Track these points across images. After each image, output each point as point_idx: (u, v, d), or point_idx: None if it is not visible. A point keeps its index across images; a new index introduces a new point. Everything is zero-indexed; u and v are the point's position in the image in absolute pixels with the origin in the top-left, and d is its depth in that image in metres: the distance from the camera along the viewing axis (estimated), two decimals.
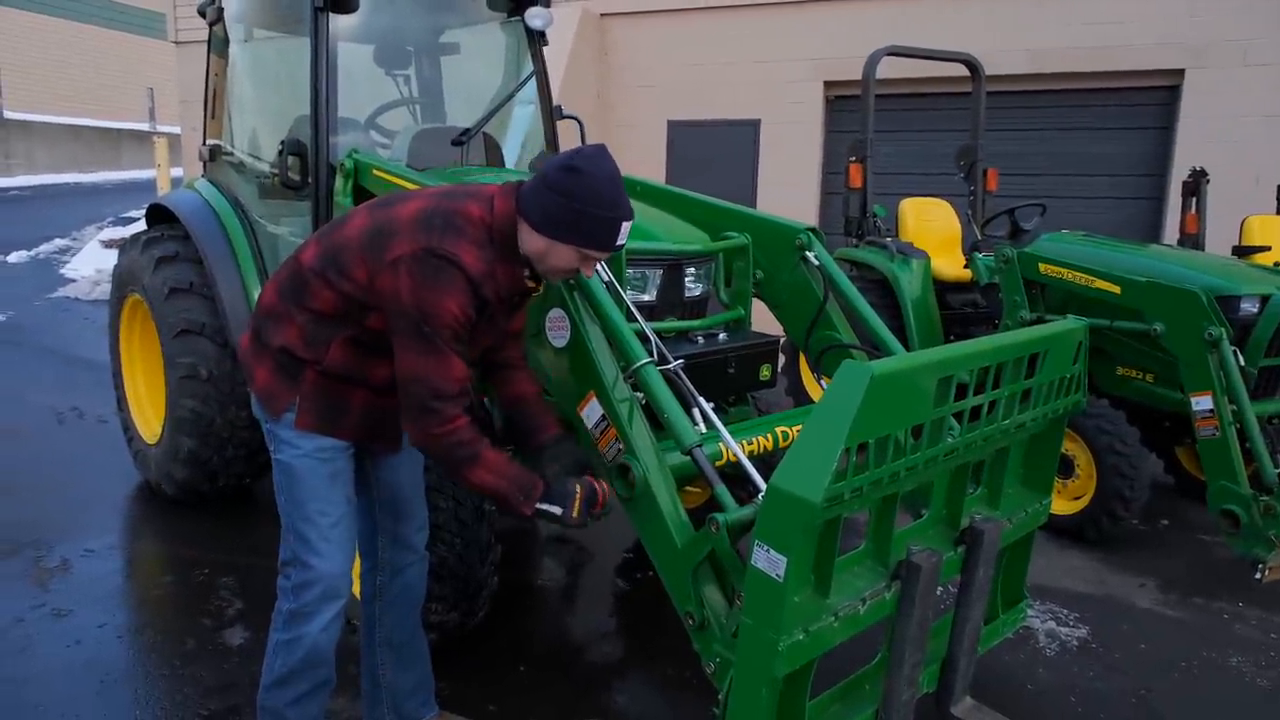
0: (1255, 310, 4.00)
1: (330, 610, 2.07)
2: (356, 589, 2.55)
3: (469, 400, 1.96)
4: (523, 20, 3.87)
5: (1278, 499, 3.42)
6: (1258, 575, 3.41)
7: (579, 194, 1.87)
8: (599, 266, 2.40)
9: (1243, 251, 5.57)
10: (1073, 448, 4.11)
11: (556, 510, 2.02)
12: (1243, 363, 3.77)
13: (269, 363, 2.06)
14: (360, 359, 2.04)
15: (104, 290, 9.20)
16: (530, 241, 1.93)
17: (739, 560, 1.94)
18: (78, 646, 3.02)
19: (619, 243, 1.94)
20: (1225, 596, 3.68)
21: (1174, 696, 2.94)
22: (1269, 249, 5.53)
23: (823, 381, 3.03)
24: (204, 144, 4.22)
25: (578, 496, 2.03)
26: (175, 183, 12.52)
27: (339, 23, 3.37)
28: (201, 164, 4.28)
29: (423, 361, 1.87)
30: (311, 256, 2.02)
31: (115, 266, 4.36)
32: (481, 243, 1.90)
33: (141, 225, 4.41)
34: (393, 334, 1.91)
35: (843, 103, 8.34)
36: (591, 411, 2.28)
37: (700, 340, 2.88)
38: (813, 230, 3.03)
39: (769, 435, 2.64)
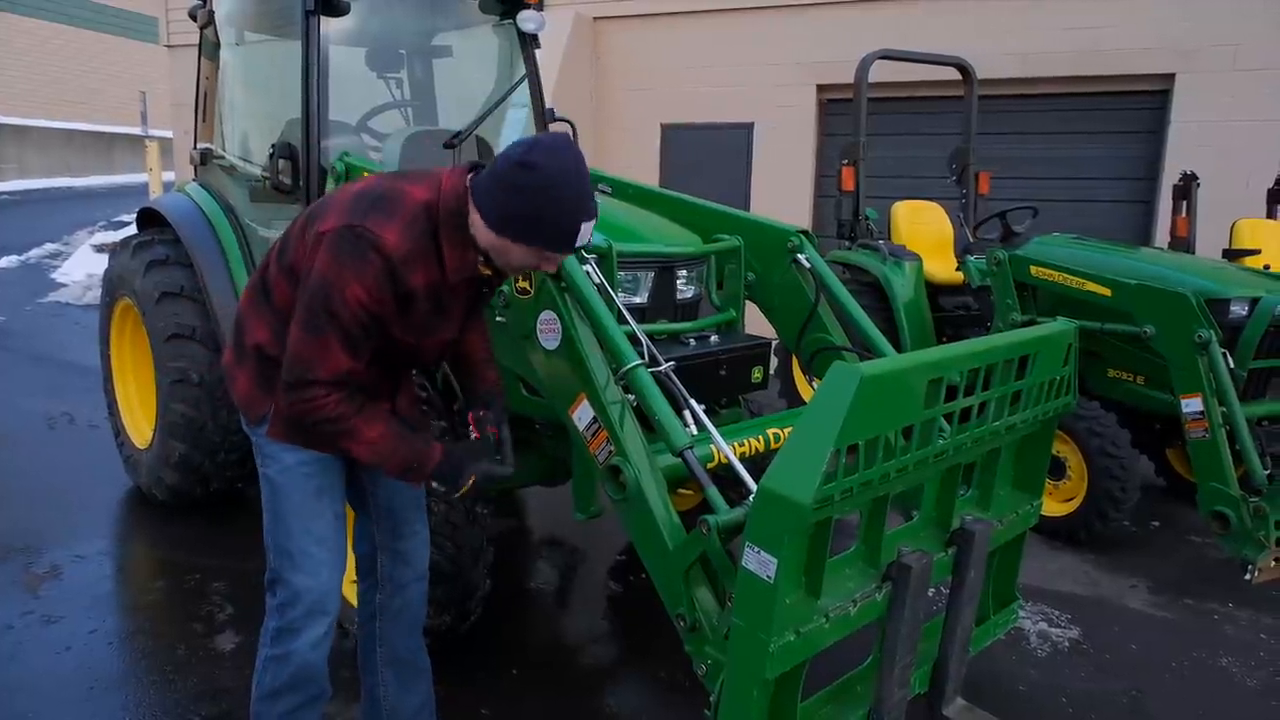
0: (1244, 313, 4.02)
1: (318, 626, 2.02)
2: (351, 596, 2.53)
3: (348, 390, 1.85)
4: (515, 23, 3.88)
5: (1267, 500, 3.44)
6: (1248, 576, 3.43)
7: (534, 192, 1.71)
8: (589, 267, 2.41)
9: (1233, 255, 5.61)
10: (1064, 450, 4.12)
11: (440, 488, 2.00)
12: (1232, 365, 3.78)
13: (248, 368, 2.01)
14: None
15: (95, 295, 9.15)
16: (484, 236, 1.81)
17: (730, 562, 1.94)
18: (68, 653, 3.01)
19: (580, 243, 1.81)
20: (1216, 597, 3.69)
21: (1165, 697, 2.95)
22: (1259, 252, 5.57)
23: (814, 384, 3.03)
24: (195, 148, 4.21)
25: (469, 483, 1.97)
26: (168, 187, 12.48)
27: (330, 26, 3.36)
28: (193, 168, 4.27)
29: (307, 342, 1.78)
30: (274, 251, 1.99)
31: (105, 271, 4.35)
32: (414, 222, 1.78)
33: (133, 229, 4.40)
34: (297, 304, 1.82)
35: (835, 106, 8.37)
36: (583, 414, 2.28)
37: (692, 342, 2.88)
38: (804, 232, 3.03)
39: (760, 437, 2.64)
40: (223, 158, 3.98)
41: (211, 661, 2.98)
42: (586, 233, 1.80)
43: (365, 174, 3.08)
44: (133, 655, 3.02)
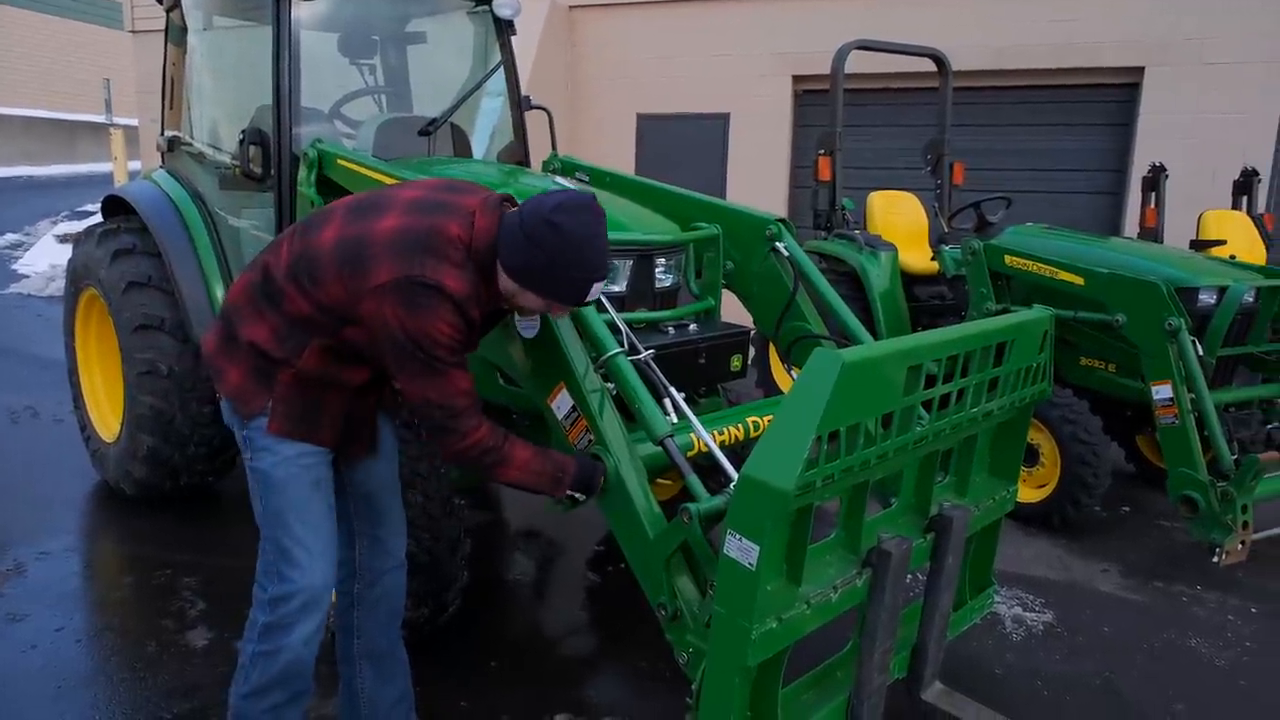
0: (1213, 301, 4.09)
1: (311, 623, 2.01)
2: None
3: (481, 410, 1.96)
4: (490, 9, 3.83)
5: (1234, 485, 3.50)
6: (1215, 559, 3.50)
7: (554, 250, 1.84)
8: None
9: (1199, 245, 5.70)
10: (1038, 437, 4.17)
11: (581, 497, 2.12)
12: (1201, 352, 3.84)
13: (241, 363, 1.98)
14: (337, 364, 1.98)
15: (59, 286, 8.96)
16: (502, 278, 1.92)
17: (711, 550, 1.94)
18: (33, 651, 2.94)
19: (588, 299, 1.95)
20: (1184, 580, 3.76)
21: (1137, 678, 3.00)
22: (1224, 243, 5.67)
23: (793, 372, 3.04)
24: (162, 135, 4.12)
25: (602, 483, 2.14)
26: (133, 176, 12.23)
27: (301, 10, 3.30)
28: (160, 156, 4.18)
29: (427, 385, 1.86)
30: (283, 261, 1.95)
31: (70, 260, 4.25)
32: (461, 262, 1.86)
33: (97, 219, 4.30)
34: (389, 360, 1.88)
35: (811, 97, 8.37)
36: (562, 403, 2.26)
37: (671, 331, 2.87)
38: (782, 221, 3.03)
39: (740, 425, 2.64)
40: (191, 145, 3.90)
41: (183, 658, 2.92)
42: (596, 291, 1.95)
43: (340, 161, 3.03)
44: (102, 653, 2.96)
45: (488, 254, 1.89)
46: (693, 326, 2.95)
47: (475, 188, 2.02)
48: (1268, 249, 5.94)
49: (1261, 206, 6.36)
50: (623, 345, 2.27)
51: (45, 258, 10.72)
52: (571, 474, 2.07)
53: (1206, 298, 4.10)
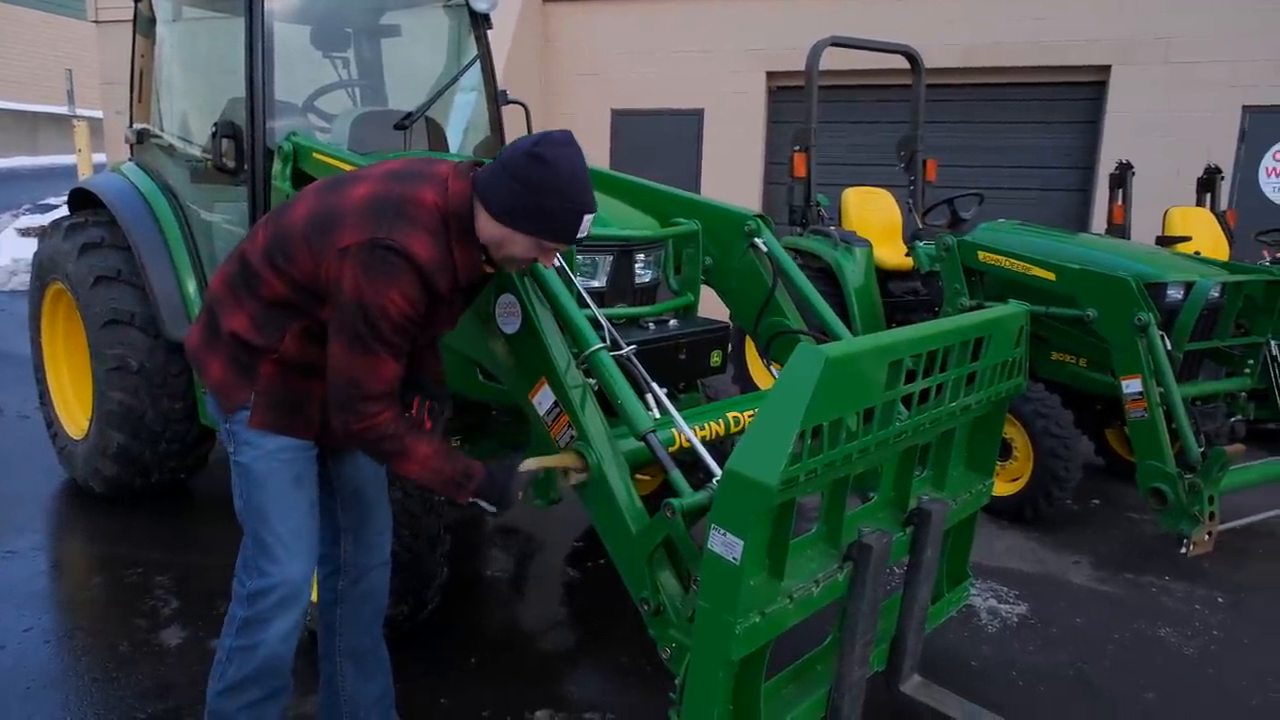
0: (1180, 296, 4.16)
1: (289, 618, 1.98)
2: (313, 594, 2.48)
3: (395, 399, 1.89)
4: (466, 3, 3.80)
5: (1202, 477, 3.57)
6: (1183, 549, 3.57)
7: (541, 184, 1.80)
8: None
9: (1165, 241, 5.81)
10: (1011, 431, 4.22)
11: (490, 508, 2.01)
12: (1169, 347, 3.91)
13: (223, 355, 1.95)
14: (317, 350, 1.94)
15: (22, 280, 8.77)
16: (487, 228, 1.86)
17: (694, 545, 1.94)
18: (1, 652, 2.88)
19: (580, 234, 1.89)
20: (1153, 571, 3.83)
21: (1108, 667, 3.05)
22: (1189, 239, 5.79)
23: (772, 368, 3.05)
24: (131, 127, 4.05)
25: (518, 496, 2.03)
26: (99, 168, 11.96)
27: (275, 2, 3.25)
28: (128, 148, 4.10)
29: (352, 360, 1.80)
30: (259, 246, 1.93)
31: (35, 254, 4.16)
32: (435, 230, 1.81)
33: (62, 212, 4.21)
34: (331, 324, 1.83)
35: (784, 93, 8.42)
36: (544, 398, 2.25)
37: (651, 326, 2.87)
38: (761, 216, 3.04)
39: (720, 421, 2.65)
40: (161, 138, 3.83)
41: (156, 657, 2.88)
42: (586, 226, 1.89)
43: (316, 154, 3.00)
44: (72, 653, 2.91)
45: (465, 217, 1.85)
46: (673, 322, 2.96)
47: (448, 159, 1.98)
48: (1230, 245, 6.08)
49: (1224, 203, 6.51)
50: (604, 340, 2.27)
51: (7, 251, 10.45)
52: (477, 480, 1.95)
53: (1174, 293, 4.17)
